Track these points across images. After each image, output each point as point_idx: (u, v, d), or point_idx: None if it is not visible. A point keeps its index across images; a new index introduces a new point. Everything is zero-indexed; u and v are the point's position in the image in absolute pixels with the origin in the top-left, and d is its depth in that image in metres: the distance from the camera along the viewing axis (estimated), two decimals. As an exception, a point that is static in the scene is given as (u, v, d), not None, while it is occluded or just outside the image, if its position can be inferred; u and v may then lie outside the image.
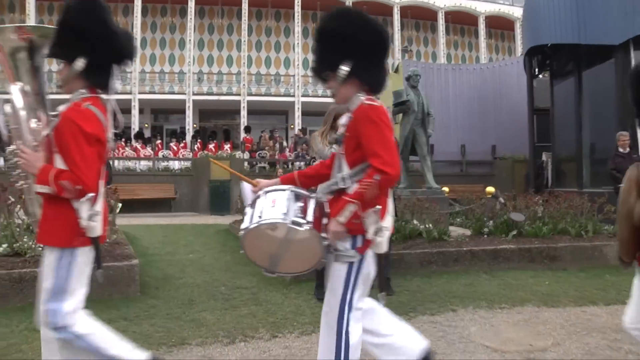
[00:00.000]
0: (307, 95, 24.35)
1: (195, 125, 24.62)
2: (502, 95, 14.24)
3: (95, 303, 3.37)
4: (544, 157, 13.16)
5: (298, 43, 24.62)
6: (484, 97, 14.44)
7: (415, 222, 6.09)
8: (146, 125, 25.09)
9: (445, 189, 9.09)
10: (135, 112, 23.16)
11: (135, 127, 22.67)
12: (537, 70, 12.82)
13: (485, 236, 6.41)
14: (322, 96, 22.30)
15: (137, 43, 22.71)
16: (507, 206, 6.55)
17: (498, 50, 27.54)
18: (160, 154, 16.51)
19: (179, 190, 14.38)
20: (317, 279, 4.53)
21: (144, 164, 14.89)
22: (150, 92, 24.55)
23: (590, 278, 5.48)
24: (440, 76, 14.62)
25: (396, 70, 15.87)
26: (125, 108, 23.31)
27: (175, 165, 15.12)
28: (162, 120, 26.86)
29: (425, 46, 26.67)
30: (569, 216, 6.75)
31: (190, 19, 23.73)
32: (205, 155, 14.95)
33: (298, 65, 24.37)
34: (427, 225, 6.09)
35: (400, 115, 8.09)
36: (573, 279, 5.44)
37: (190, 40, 23.87)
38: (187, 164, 14.96)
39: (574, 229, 6.38)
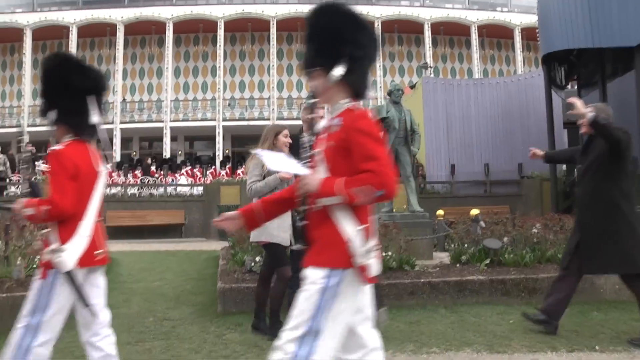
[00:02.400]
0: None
1: (227, 151, 24.88)
2: (528, 109, 13.18)
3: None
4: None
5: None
6: (508, 112, 13.45)
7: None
8: (180, 152, 25.60)
9: (440, 212, 8.35)
10: (167, 139, 23.67)
11: (167, 154, 23.16)
12: (563, 80, 11.78)
13: (458, 265, 5.62)
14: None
15: (170, 72, 23.61)
16: (486, 231, 5.75)
17: (532, 63, 26.11)
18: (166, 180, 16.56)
19: (190, 216, 14.25)
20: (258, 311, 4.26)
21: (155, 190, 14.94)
22: (183, 120, 25.10)
23: (571, 315, 4.57)
24: (462, 92, 13.79)
25: (413, 87, 15.22)
26: (157, 135, 24.03)
27: (189, 191, 15.05)
28: (199, 147, 27.40)
29: (461, 62, 25.74)
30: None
31: (220, 45, 24.15)
32: (217, 181, 14.81)
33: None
34: (387, 254, 5.41)
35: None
36: (550, 317, 4.58)
37: (220, 67, 24.28)
38: (200, 189, 14.86)
39: (565, 256, 5.46)
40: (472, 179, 13.63)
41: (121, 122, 24.05)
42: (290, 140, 4.13)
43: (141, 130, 25.20)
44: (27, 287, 4.74)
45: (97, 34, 25.02)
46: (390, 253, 5.44)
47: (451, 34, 25.20)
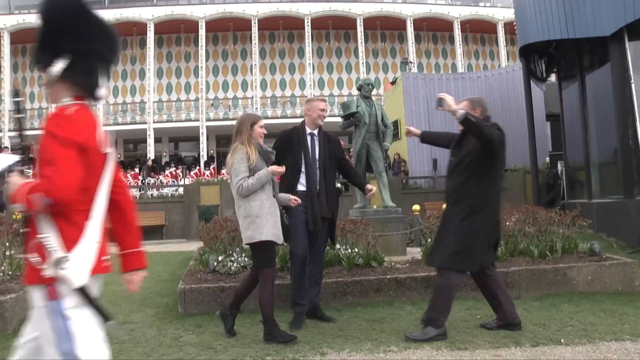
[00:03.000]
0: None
1: (212, 151, 24.65)
2: (510, 102, 13.10)
3: None
4: (559, 167, 11.94)
5: (310, 63, 24.28)
6: (490, 106, 13.24)
7: (338, 247, 5.26)
8: (164, 153, 25.33)
9: (416, 207, 8.23)
10: (150, 140, 23.38)
11: (151, 155, 22.87)
12: (544, 73, 11.70)
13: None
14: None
15: (152, 73, 23.23)
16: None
17: (516, 57, 26.11)
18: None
19: (171, 217, 14.04)
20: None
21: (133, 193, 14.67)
22: (167, 121, 24.82)
23: (540, 309, 4.49)
24: (442, 87, 13.67)
25: (393, 83, 15.10)
26: (141, 137, 23.73)
27: (172, 192, 14.83)
28: (184, 148, 27.11)
29: (445, 58, 25.67)
30: (547, 234, 5.71)
31: (202, 45, 23.90)
32: (197, 181, 14.60)
33: (311, 86, 23.96)
34: (353, 250, 5.25)
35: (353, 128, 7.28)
36: (520, 309, 4.42)
37: (202, 67, 24.04)
38: (180, 190, 14.65)
39: (538, 248, 5.34)
40: (452, 174, 13.51)
41: (104, 125, 23.63)
42: (265, 131, 3.95)
43: (125, 132, 24.87)
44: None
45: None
46: (357, 250, 5.29)
47: (434, 29, 25.15)
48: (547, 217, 5.69)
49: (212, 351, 3.71)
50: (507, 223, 5.96)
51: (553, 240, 5.48)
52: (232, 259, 5.33)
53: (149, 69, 24.03)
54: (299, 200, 4.00)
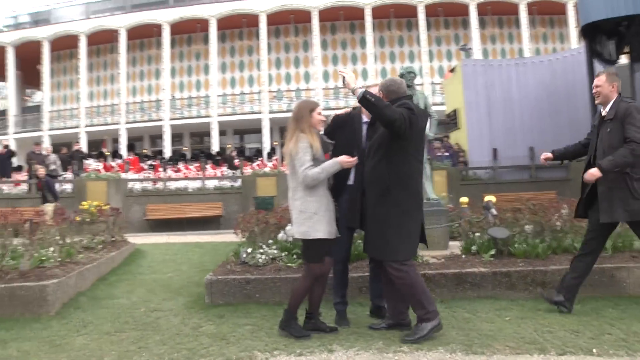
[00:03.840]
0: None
1: (275, 143, 25.04)
2: (575, 88, 12.15)
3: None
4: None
5: (372, 53, 23.93)
6: (554, 92, 12.49)
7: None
8: (229, 145, 26.06)
9: (463, 199, 7.87)
10: (214, 133, 24.08)
11: (216, 148, 23.59)
12: (613, 54, 10.75)
13: (464, 256, 5.21)
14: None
15: (216, 68, 23.84)
16: (498, 219, 5.28)
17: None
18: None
19: (228, 208, 14.40)
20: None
21: (193, 185, 15.15)
22: (232, 114, 25.47)
23: (580, 314, 4.10)
24: (502, 73, 12.97)
25: (452, 70, 14.51)
26: (206, 130, 24.53)
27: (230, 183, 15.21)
28: (250, 140, 27.75)
29: (510, 42, 24.34)
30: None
31: (263, 39, 24.25)
32: (254, 173, 14.86)
33: (373, 75, 23.63)
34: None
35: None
36: (556, 313, 4.11)
37: (264, 60, 24.40)
38: (239, 182, 14.97)
39: (585, 246, 4.90)
40: (515, 163, 12.85)
41: (171, 119, 24.78)
42: (324, 118, 3.85)
43: (191, 126, 25.86)
44: (28, 279, 4.98)
45: (145, 36, 25.88)
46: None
47: (499, 13, 23.90)
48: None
49: (224, 342, 3.73)
50: (556, 216, 5.55)
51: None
52: (262, 251, 5.35)
53: (212, 64, 24.73)
54: (351, 160, 3.67)
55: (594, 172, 3.83)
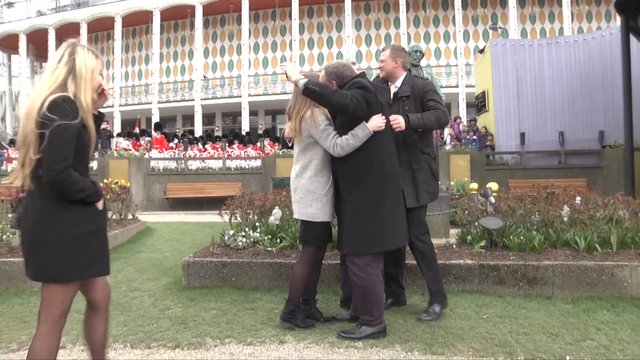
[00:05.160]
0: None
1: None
2: (613, 68, 11.28)
3: None
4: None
5: (405, 33, 23.23)
6: (588, 73, 11.67)
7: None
8: (260, 125, 26.09)
9: (473, 185, 7.46)
10: (245, 113, 24.11)
11: (246, 128, 23.64)
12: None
13: (454, 246, 4.88)
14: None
15: (248, 48, 23.76)
16: (495, 208, 4.90)
17: None
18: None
19: (248, 188, 14.34)
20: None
21: (214, 164, 15.19)
22: (263, 94, 25.41)
23: (569, 314, 3.73)
24: (533, 53, 12.21)
25: (482, 51, 13.83)
26: (238, 110, 24.59)
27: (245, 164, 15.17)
28: (282, 120, 27.71)
29: (551, 22, 23.04)
30: (601, 222, 4.79)
31: (295, 19, 23.94)
32: (274, 154, 14.73)
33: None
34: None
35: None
36: (542, 312, 3.76)
37: (296, 40, 24.12)
38: (258, 162, 14.90)
39: (587, 239, 4.50)
40: (544, 148, 12.16)
41: (203, 99, 24.97)
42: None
43: (223, 105, 26.00)
44: (16, 255, 5.03)
45: (179, 17, 26.02)
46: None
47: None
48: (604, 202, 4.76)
49: (182, 326, 3.62)
50: (564, 209, 5.12)
51: (610, 231, 4.58)
52: (243, 234, 5.20)
53: (244, 44, 24.66)
54: (382, 123, 3.32)
55: (400, 121, 3.47)
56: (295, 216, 3.52)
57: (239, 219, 5.78)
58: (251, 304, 4.12)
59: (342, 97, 3.16)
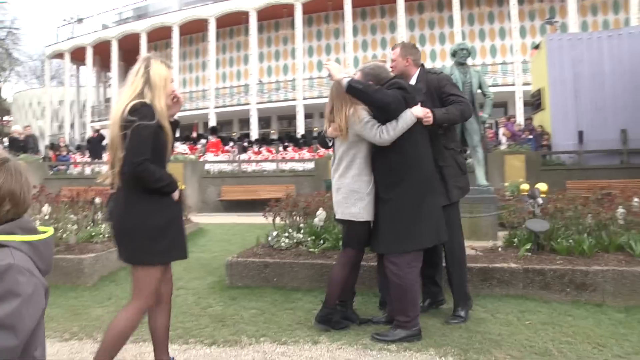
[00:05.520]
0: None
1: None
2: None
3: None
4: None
5: (460, 32, 22.70)
6: (659, 68, 10.94)
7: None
8: (315, 128, 26.30)
9: (524, 186, 7.18)
10: (300, 116, 24.37)
11: (301, 131, 23.90)
12: None
13: (500, 249, 4.74)
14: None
15: (301, 52, 23.99)
16: (542, 209, 4.71)
17: None
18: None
19: (302, 190, 14.50)
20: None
21: (268, 167, 15.45)
22: (318, 97, 25.61)
23: (620, 324, 3.51)
24: (592, 47, 11.57)
25: (537, 47, 13.29)
26: (294, 114, 24.91)
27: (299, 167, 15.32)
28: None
29: (616, 13, 21.73)
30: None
31: (348, 21, 23.98)
32: (327, 156, 14.80)
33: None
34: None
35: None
36: (589, 321, 3.58)
37: (349, 42, 24.15)
38: (312, 165, 15.01)
39: (644, 244, 4.24)
40: (604, 147, 11.51)
41: (258, 103, 25.49)
42: None
43: (278, 109, 26.42)
44: (72, 252, 5.36)
45: (233, 23, 26.73)
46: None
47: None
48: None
49: (220, 324, 3.74)
50: (620, 210, 4.85)
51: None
52: (286, 234, 5.28)
53: (298, 47, 24.94)
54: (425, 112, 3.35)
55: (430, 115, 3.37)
56: (338, 216, 3.50)
57: (286, 220, 5.89)
58: (290, 304, 4.18)
59: (384, 95, 3.20)
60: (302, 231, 5.38)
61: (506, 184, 10.38)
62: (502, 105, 23.20)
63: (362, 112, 3.33)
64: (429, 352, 3.06)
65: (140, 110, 2.46)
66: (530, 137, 13.20)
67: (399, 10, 23.52)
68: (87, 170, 15.79)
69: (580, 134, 11.50)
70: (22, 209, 1.40)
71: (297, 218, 5.68)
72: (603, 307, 3.86)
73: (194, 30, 27.56)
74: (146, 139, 2.45)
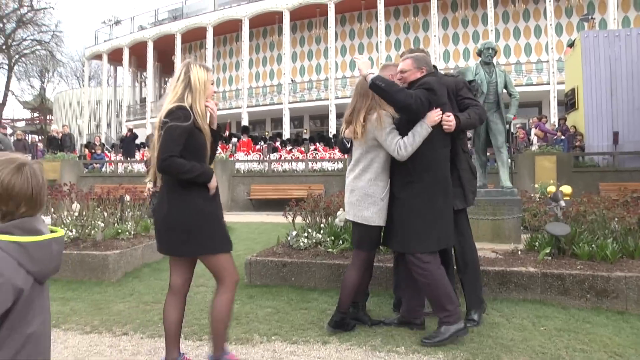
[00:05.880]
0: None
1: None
2: None
3: (70, 282, 5.13)
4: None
5: (493, 30, 22.24)
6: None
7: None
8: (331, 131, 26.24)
9: (550, 188, 7.01)
10: (332, 116, 24.39)
11: (333, 130, 23.89)
12: None
13: (519, 253, 4.65)
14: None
15: (333, 51, 23.93)
16: (565, 213, 4.59)
17: None
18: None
19: (330, 189, 14.55)
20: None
21: (298, 166, 15.54)
22: (350, 97, 25.51)
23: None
24: (631, 44, 11.15)
25: (571, 45, 12.90)
26: (326, 113, 24.95)
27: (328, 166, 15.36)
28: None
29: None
30: None
31: (381, 20, 23.87)
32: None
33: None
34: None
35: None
36: (609, 329, 3.48)
37: (382, 42, 24.03)
38: (341, 164, 15.03)
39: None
40: (640, 149, 11.10)
41: (291, 102, 25.65)
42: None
43: (310, 108, 26.50)
44: (98, 249, 5.55)
45: (267, 23, 26.96)
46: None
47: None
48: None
49: (235, 322, 3.79)
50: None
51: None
52: (306, 234, 5.32)
53: (331, 47, 24.96)
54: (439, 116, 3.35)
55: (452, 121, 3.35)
56: (350, 218, 3.49)
57: (306, 220, 5.94)
58: (306, 304, 4.22)
59: (406, 96, 3.17)
60: (322, 231, 5.42)
61: (536, 185, 10.14)
62: (537, 105, 22.61)
63: (386, 120, 3.30)
64: (437, 355, 3.05)
65: (175, 113, 2.63)
66: (563, 137, 12.84)
67: (432, 9, 23.21)
68: (120, 169, 16.26)
69: (616, 134, 11.11)
70: (36, 210, 1.46)
71: (318, 218, 5.72)
72: (625, 315, 3.76)
73: (227, 31, 27.94)
74: (176, 138, 2.61)
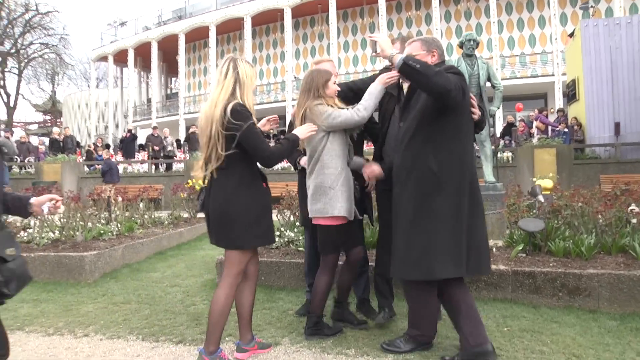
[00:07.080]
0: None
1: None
2: None
3: (47, 284, 5.11)
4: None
5: (496, 22, 21.89)
6: None
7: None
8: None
9: (545, 182, 6.82)
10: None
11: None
12: None
13: (494, 250, 4.50)
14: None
15: (336, 48, 23.73)
16: (542, 209, 4.44)
17: None
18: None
19: (326, 187, 14.46)
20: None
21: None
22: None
23: (609, 333, 3.26)
24: (632, 33, 10.85)
25: (571, 35, 12.61)
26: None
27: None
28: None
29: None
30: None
31: (382, 15, 23.65)
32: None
33: (497, 46, 21.63)
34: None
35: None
36: (576, 329, 3.33)
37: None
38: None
39: (649, 245, 3.91)
40: (640, 140, 10.81)
41: (294, 99, 25.55)
42: (339, 88, 3.31)
43: (312, 106, 26.34)
44: (77, 250, 5.52)
45: (269, 21, 26.88)
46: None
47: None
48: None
49: (195, 323, 3.78)
50: (633, 208, 4.51)
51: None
52: (278, 233, 5.24)
53: (333, 43, 24.82)
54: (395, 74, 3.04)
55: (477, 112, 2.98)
56: (310, 215, 3.26)
57: (280, 217, 5.86)
58: (270, 304, 4.15)
59: (446, 81, 2.58)
60: (295, 229, 5.33)
61: (534, 179, 9.93)
62: (542, 96, 22.23)
63: (320, 107, 3.10)
64: (387, 357, 2.94)
65: (241, 112, 2.72)
66: (566, 130, 12.58)
67: (434, 2, 22.93)
68: (120, 169, 16.32)
69: (617, 125, 10.84)
70: None
71: (293, 217, 5.63)
72: (596, 314, 3.60)
73: (230, 29, 27.92)
74: (260, 134, 2.79)
